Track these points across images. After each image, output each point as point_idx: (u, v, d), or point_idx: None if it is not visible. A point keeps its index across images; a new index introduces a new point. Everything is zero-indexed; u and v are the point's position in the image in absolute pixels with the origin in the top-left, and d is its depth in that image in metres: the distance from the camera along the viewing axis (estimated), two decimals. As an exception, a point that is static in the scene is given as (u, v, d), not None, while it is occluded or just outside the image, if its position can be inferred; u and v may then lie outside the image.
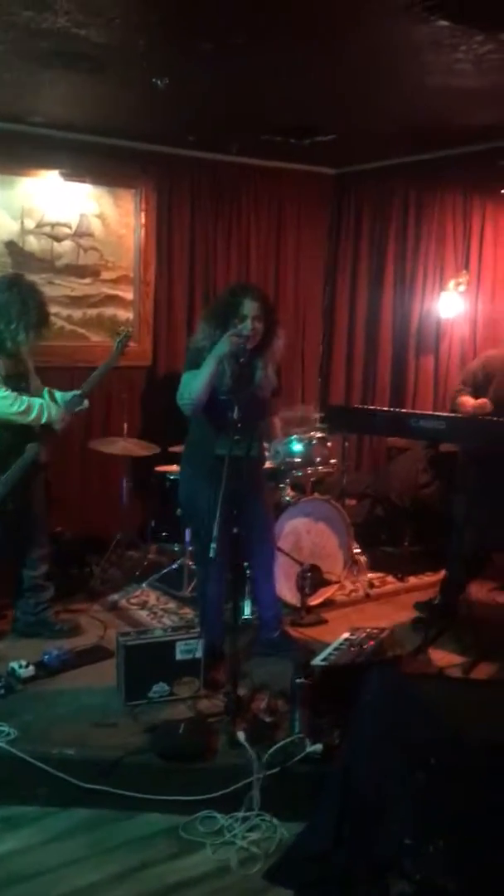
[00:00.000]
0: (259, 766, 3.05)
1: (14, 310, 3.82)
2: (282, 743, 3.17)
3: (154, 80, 3.93)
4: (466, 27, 3.06)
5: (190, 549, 4.75)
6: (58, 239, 5.37)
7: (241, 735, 3.22)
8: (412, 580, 5.30)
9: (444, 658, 4.09)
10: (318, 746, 3.13)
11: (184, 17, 3.17)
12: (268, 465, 4.55)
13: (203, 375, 3.54)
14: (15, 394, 3.83)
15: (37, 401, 3.91)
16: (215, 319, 3.65)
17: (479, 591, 4.75)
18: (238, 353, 3.52)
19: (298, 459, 4.88)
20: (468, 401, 4.22)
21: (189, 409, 3.64)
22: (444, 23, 3.03)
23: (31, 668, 3.79)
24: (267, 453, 4.40)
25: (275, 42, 3.43)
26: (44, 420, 3.92)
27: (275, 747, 3.14)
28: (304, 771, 3.09)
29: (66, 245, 5.41)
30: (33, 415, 3.88)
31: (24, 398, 3.86)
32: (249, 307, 3.59)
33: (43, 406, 3.92)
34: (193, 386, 3.57)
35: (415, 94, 4.11)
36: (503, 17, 2.94)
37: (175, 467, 4.84)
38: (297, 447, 4.88)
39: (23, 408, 3.84)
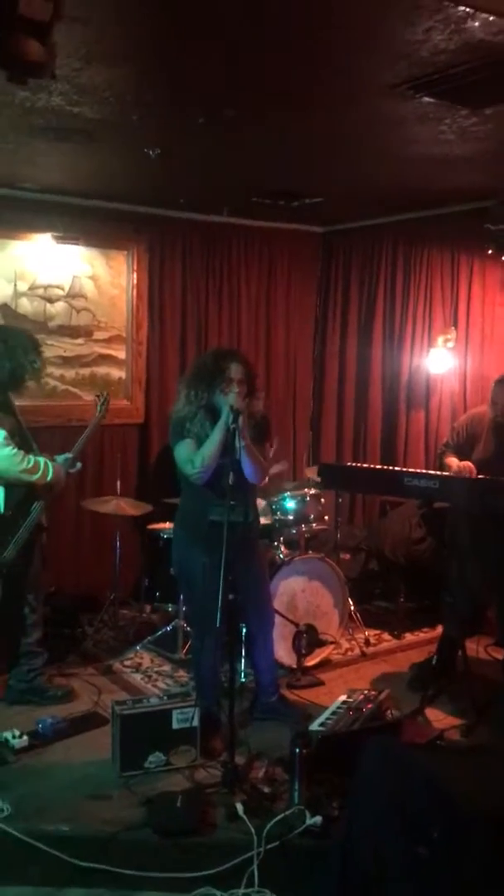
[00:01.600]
0: (258, 841, 2.99)
1: (23, 341, 3.95)
2: (281, 816, 3.11)
3: (146, 150, 4.01)
4: (451, 104, 3.15)
5: (184, 609, 4.72)
6: (51, 300, 5.43)
7: (239, 807, 3.17)
8: (408, 637, 5.27)
9: (443, 720, 4.05)
10: (318, 819, 3.07)
11: (176, 94, 3.25)
12: (263, 521, 4.54)
13: (214, 443, 3.54)
14: (22, 452, 3.85)
15: (41, 459, 3.93)
16: (201, 384, 3.65)
17: (476, 647, 4.72)
18: (227, 420, 3.54)
19: (292, 517, 4.88)
20: (453, 462, 4.26)
21: (200, 478, 3.59)
22: (429, 100, 3.12)
23: (25, 738, 3.73)
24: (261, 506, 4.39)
25: (264, 116, 3.53)
26: (49, 478, 3.92)
27: (274, 820, 3.08)
28: (304, 844, 3.03)
29: (59, 306, 5.47)
30: (39, 473, 3.88)
31: (31, 457, 3.88)
32: (235, 370, 3.62)
33: (48, 465, 3.93)
34: (205, 453, 3.56)
35: (400, 161, 4.21)
36: (487, 96, 3.03)
37: (168, 525, 4.83)
38: (291, 504, 4.89)
39: (30, 465, 3.85)
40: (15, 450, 3.82)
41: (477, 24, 2.41)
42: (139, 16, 2.52)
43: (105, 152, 4.11)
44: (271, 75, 3.01)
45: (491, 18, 2.35)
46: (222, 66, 2.92)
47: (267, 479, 4.03)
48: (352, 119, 3.52)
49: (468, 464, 4.19)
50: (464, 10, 2.31)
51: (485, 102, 3.12)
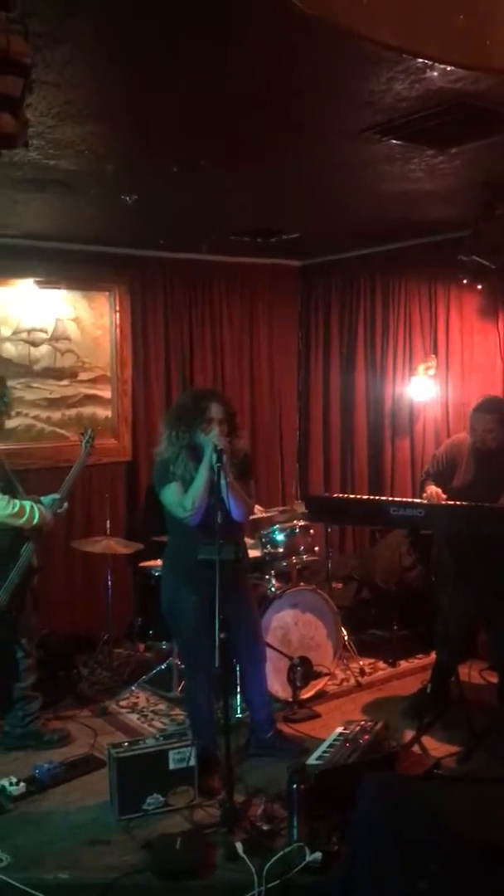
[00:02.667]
0: (259, 880, 2.99)
1: None
2: (281, 853, 3.12)
3: (123, 196, 4.09)
4: (417, 145, 3.24)
5: (177, 647, 4.73)
6: (35, 344, 5.48)
7: (239, 846, 3.17)
8: (403, 664, 5.29)
9: (439, 748, 4.06)
10: (318, 855, 3.07)
11: (148, 147, 3.34)
12: (253, 554, 4.56)
13: (200, 483, 3.57)
14: (7, 496, 3.87)
15: (27, 503, 3.95)
16: (182, 425, 3.70)
17: (469, 672, 4.74)
18: (211, 459, 3.56)
19: (282, 549, 4.91)
20: (428, 490, 4.30)
21: (192, 520, 3.62)
22: (396, 142, 3.21)
23: (22, 784, 3.72)
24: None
25: (237, 163, 3.61)
26: (35, 522, 3.94)
27: (274, 858, 3.09)
28: (304, 882, 3.03)
29: (44, 349, 5.52)
30: (25, 517, 3.91)
31: (16, 501, 3.90)
32: (216, 410, 3.67)
33: (34, 508, 3.95)
34: (194, 495, 3.58)
35: (373, 197, 4.31)
36: (451, 137, 3.12)
37: (159, 562, 4.84)
38: (280, 537, 4.92)
39: (16, 510, 3.87)
40: (0, 494, 3.85)
41: (436, 73, 2.51)
42: (108, 77, 2.60)
43: (83, 200, 4.19)
44: (240, 125, 3.10)
45: (448, 68, 2.43)
46: (192, 120, 3.00)
47: (252, 515, 4.07)
48: (322, 161, 3.61)
49: (437, 491, 4.23)
50: (422, 62, 2.40)
51: (449, 143, 3.22)
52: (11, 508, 3.85)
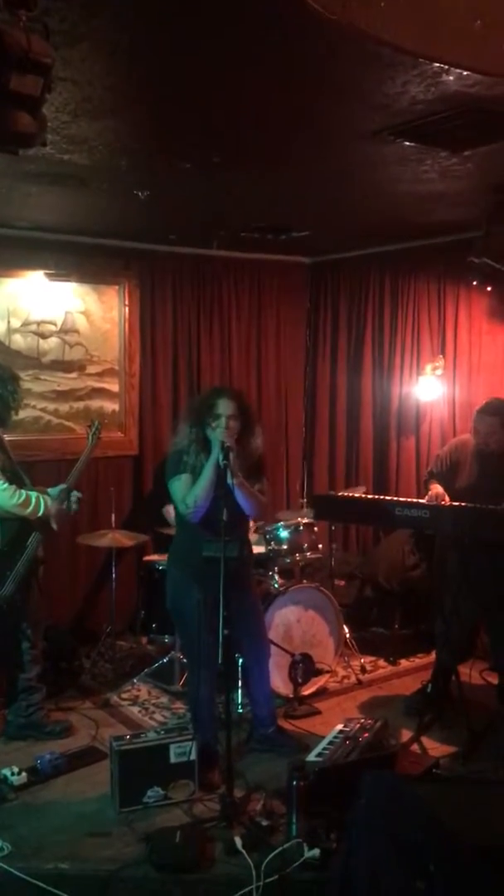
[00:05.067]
0: (257, 875, 3.02)
1: (3, 373, 4.02)
2: (279, 849, 3.14)
3: (136, 192, 4.10)
4: (431, 147, 3.24)
5: (181, 642, 4.75)
6: (44, 336, 5.50)
7: (238, 841, 3.20)
8: (404, 663, 5.31)
9: (438, 747, 4.08)
10: (316, 852, 3.10)
11: (161, 143, 3.35)
12: (257, 550, 4.58)
13: (205, 480, 3.59)
14: (14, 486, 3.90)
15: (33, 493, 3.97)
16: (191, 419, 3.75)
17: (470, 672, 4.76)
18: (218, 457, 3.57)
19: (286, 546, 4.93)
20: (431, 490, 4.31)
21: (194, 517, 3.65)
22: (409, 143, 3.22)
23: (24, 774, 3.75)
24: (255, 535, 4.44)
25: (249, 161, 3.62)
26: (41, 513, 3.97)
27: (272, 854, 3.11)
28: (303, 878, 3.06)
29: (52, 342, 5.53)
30: (31, 507, 3.93)
31: (23, 491, 3.93)
32: (224, 406, 3.68)
33: (40, 499, 3.98)
34: (196, 493, 3.60)
35: (385, 197, 4.31)
36: (464, 140, 3.13)
37: (163, 556, 4.87)
38: (284, 534, 4.93)
39: (22, 500, 3.89)
40: (6, 484, 3.87)
41: (451, 77, 2.51)
42: (124, 75, 2.61)
43: (96, 194, 4.20)
44: (254, 125, 3.11)
45: (464, 73, 2.44)
46: (206, 118, 3.02)
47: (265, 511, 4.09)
48: (335, 161, 3.62)
49: (441, 492, 4.24)
50: (438, 66, 2.40)
51: (463, 146, 3.23)
52: (18, 498, 3.87)
